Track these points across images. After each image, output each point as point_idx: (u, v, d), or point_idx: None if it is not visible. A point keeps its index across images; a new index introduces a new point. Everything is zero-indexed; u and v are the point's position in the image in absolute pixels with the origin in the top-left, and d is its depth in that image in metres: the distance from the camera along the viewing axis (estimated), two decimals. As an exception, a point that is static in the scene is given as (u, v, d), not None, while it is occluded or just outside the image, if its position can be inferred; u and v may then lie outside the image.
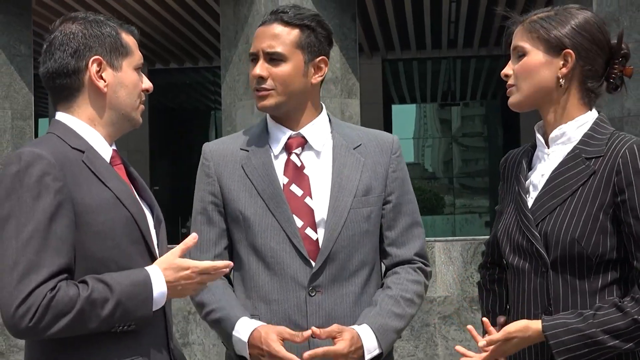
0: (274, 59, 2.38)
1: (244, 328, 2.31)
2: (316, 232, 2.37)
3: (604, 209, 2.03)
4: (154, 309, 2.02)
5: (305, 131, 2.44)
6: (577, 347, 1.98)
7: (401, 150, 2.53)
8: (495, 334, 2.10)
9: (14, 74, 11.52)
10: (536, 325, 2.04)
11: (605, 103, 9.23)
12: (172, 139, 19.70)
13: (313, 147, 2.44)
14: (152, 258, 2.10)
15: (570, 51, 2.11)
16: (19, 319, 1.87)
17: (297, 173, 2.41)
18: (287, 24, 2.39)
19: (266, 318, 2.35)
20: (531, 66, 2.14)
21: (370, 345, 2.31)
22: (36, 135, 13.45)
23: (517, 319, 2.14)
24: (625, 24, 9.40)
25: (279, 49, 2.37)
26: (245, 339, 2.29)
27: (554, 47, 2.12)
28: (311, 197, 2.39)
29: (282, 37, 2.38)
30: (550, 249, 2.07)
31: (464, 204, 20.45)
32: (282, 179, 2.40)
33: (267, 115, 2.49)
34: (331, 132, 2.48)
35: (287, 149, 2.44)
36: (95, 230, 1.99)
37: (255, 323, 2.31)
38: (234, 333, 2.32)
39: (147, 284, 2.00)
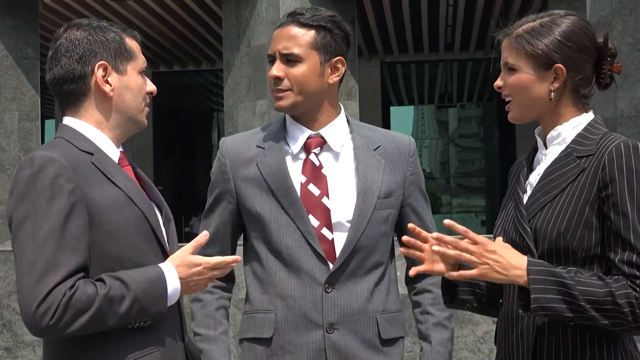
0: (290, 60, 2.38)
1: None
2: (332, 232, 2.38)
3: (589, 204, 2.03)
4: (168, 305, 2.03)
5: (324, 132, 2.44)
6: (550, 290, 1.94)
7: (417, 152, 2.54)
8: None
9: (21, 76, 11.53)
10: (522, 258, 2.00)
11: (598, 104, 9.23)
12: (175, 139, 19.70)
13: (332, 147, 2.44)
14: (165, 255, 2.11)
15: (561, 66, 2.10)
16: (39, 317, 1.87)
17: (315, 172, 2.41)
18: (303, 25, 2.39)
19: (282, 313, 2.36)
20: (523, 83, 2.14)
21: None
22: (42, 136, 13.45)
23: (509, 313, 2.15)
24: (618, 28, 9.40)
25: (294, 50, 2.38)
26: None
27: (543, 64, 2.11)
28: (328, 197, 2.39)
29: (297, 38, 2.38)
30: (538, 244, 2.08)
31: (461, 204, 20.47)
32: (301, 178, 2.40)
33: (287, 114, 2.49)
34: (350, 133, 2.48)
35: (306, 148, 2.44)
36: (109, 229, 2.00)
37: None
38: None
39: (161, 281, 2.01)
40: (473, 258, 1.99)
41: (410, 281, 2.57)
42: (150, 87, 2.19)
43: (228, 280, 2.55)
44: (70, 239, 1.93)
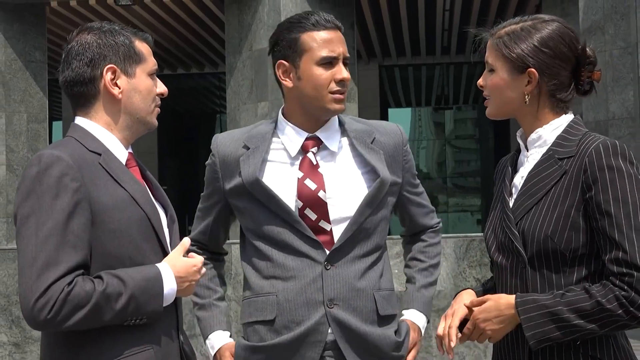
0: (346, 63, 2.43)
1: (219, 338, 2.53)
2: (330, 224, 2.39)
3: (575, 207, 2.03)
4: (164, 305, 2.03)
5: (320, 133, 2.47)
6: (543, 323, 1.98)
7: (407, 140, 2.60)
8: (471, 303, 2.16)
9: (30, 79, 11.54)
10: (510, 298, 2.07)
11: (591, 107, 9.24)
12: (179, 141, 19.70)
13: (329, 147, 2.47)
14: (165, 255, 2.11)
15: (533, 70, 2.10)
16: (37, 311, 1.88)
17: (311, 169, 2.43)
18: (341, 31, 2.45)
19: (283, 294, 2.38)
20: (498, 84, 2.16)
21: (422, 322, 2.57)
22: (50, 137, 13.47)
23: None
24: (610, 32, 9.41)
25: (348, 54, 2.44)
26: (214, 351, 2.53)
27: (518, 67, 2.12)
28: (324, 191, 2.40)
29: (344, 43, 2.44)
30: (527, 246, 2.08)
31: (457, 203, 20.45)
32: (298, 174, 2.42)
33: (281, 116, 2.51)
34: (344, 132, 2.51)
35: (303, 149, 2.46)
36: (111, 228, 2.00)
37: (225, 339, 2.52)
38: (208, 340, 2.55)
39: (158, 280, 2.02)
40: (475, 334, 2.12)
41: (405, 237, 2.72)
42: (161, 88, 2.19)
43: (220, 252, 2.66)
44: (72, 237, 1.93)
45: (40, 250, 1.91)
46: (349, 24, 10.73)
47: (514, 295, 2.05)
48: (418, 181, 2.63)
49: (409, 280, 2.62)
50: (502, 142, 18.89)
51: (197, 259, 2.12)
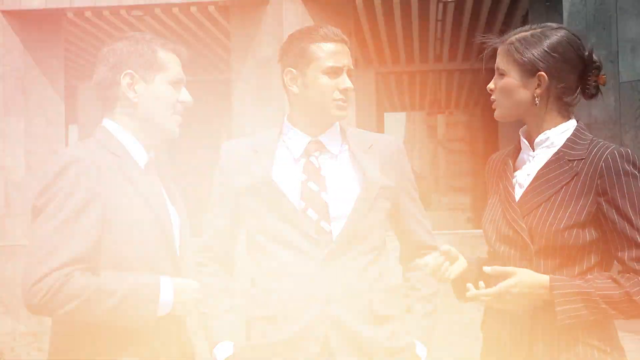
0: (350, 74, 2.45)
1: (224, 348, 2.45)
2: (329, 224, 2.39)
3: (587, 207, 2.06)
4: (160, 313, 2.02)
5: (322, 137, 2.48)
6: (574, 301, 2.00)
7: (404, 150, 2.58)
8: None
9: (47, 85, 11.53)
10: (539, 278, 2.03)
11: (575, 110, 9.22)
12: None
13: (330, 151, 2.47)
14: (173, 258, 2.11)
15: (543, 73, 2.12)
16: (32, 295, 1.91)
17: (314, 172, 2.44)
18: (347, 45, 2.47)
19: (284, 290, 2.38)
20: (509, 87, 2.16)
21: (423, 352, 2.50)
22: (67, 141, 13.46)
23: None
24: (592, 41, 9.41)
25: (352, 66, 2.46)
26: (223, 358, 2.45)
27: (528, 71, 2.13)
28: (326, 193, 2.41)
29: (350, 56, 2.47)
30: (535, 240, 2.09)
31: (449, 202, 20.46)
32: (301, 177, 2.43)
33: (286, 121, 2.51)
34: (344, 137, 2.52)
35: (307, 152, 2.47)
36: (122, 228, 2.01)
37: (231, 350, 2.44)
38: (214, 350, 2.46)
39: (155, 287, 2.01)
40: (501, 300, 2.03)
41: (404, 261, 2.63)
42: (184, 97, 2.20)
43: (229, 264, 2.62)
44: (79, 232, 1.95)
45: (47, 240, 1.93)
46: (347, 33, 10.72)
47: (543, 276, 2.04)
48: (417, 196, 2.58)
49: (409, 309, 2.57)
50: (490, 144, 18.89)
51: (196, 282, 2.14)
